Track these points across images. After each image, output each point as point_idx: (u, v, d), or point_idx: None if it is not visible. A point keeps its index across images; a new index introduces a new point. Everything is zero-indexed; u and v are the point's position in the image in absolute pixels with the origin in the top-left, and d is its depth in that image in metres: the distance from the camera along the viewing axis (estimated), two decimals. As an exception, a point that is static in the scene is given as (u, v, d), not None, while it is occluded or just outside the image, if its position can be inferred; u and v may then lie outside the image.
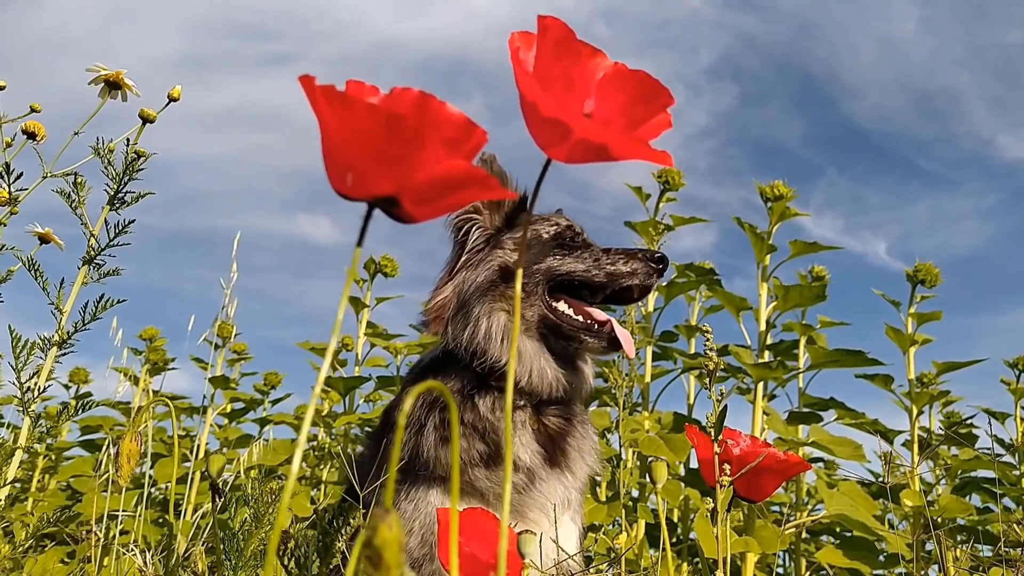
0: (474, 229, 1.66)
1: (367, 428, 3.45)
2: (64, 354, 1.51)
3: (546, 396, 1.58)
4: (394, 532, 0.45)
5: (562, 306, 1.62)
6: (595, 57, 0.62)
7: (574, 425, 1.64)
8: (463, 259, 1.64)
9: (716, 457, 1.02)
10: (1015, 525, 2.51)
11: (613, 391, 2.88)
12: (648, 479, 3.03)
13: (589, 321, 1.61)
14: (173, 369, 4.11)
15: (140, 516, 2.20)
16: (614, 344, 1.61)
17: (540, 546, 1.45)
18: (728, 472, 1.03)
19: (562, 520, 1.54)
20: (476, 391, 1.55)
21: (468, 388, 1.56)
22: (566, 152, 0.60)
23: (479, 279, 1.59)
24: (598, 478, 2.97)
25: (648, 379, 3.15)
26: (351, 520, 1.00)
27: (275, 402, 4.09)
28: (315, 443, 4.08)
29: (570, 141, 0.58)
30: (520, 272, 0.68)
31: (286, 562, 0.97)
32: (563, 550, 1.53)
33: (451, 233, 1.70)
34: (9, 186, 1.73)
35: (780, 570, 3.26)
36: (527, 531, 0.93)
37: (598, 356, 1.73)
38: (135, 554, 1.71)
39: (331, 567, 1.04)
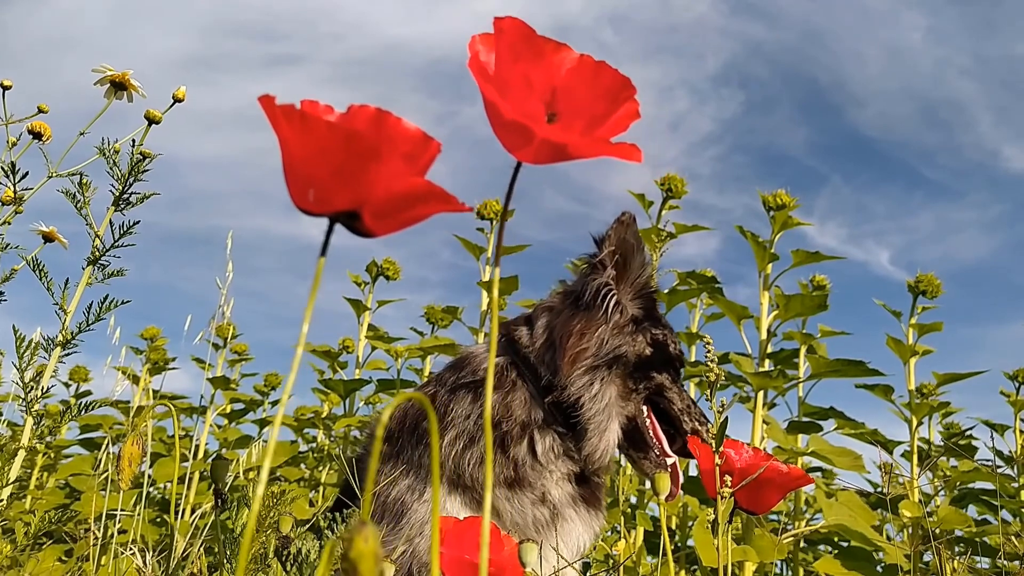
0: (611, 297, 1.63)
1: (363, 431, 3.44)
2: (68, 354, 1.51)
3: (592, 471, 1.63)
4: (370, 545, 0.44)
5: (644, 414, 1.66)
6: (559, 52, 0.61)
7: (599, 482, 1.70)
8: (611, 324, 1.61)
9: (717, 469, 1.02)
10: (1013, 537, 2.51)
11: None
12: (649, 487, 3.03)
13: (659, 449, 1.66)
14: (173, 369, 4.11)
15: (139, 515, 2.20)
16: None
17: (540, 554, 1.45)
18: (729, 484, 1.03)
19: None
20: (538, 429, 1.57)
21: (532, 425, 1.57)
22: (532, 154, 0.59)
23: (620, 351, 1.60)
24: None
25: (648, 386, 3.14)
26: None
27: (275, 403, 4.08)
28: (315, 445, 4.08)
29: (534, 143, 0.58)
30: (495, 289, 0.68)
31: (288, 568, 0.97)
32: (563, 558, 1.53)
33: (584, 288, 1.65)
34: (14, 185, 1.73)
35: (778, 579, 3.25)
36: (528, 540, 0.93)
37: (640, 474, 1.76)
38: (134, 554, 1.71)
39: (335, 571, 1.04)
